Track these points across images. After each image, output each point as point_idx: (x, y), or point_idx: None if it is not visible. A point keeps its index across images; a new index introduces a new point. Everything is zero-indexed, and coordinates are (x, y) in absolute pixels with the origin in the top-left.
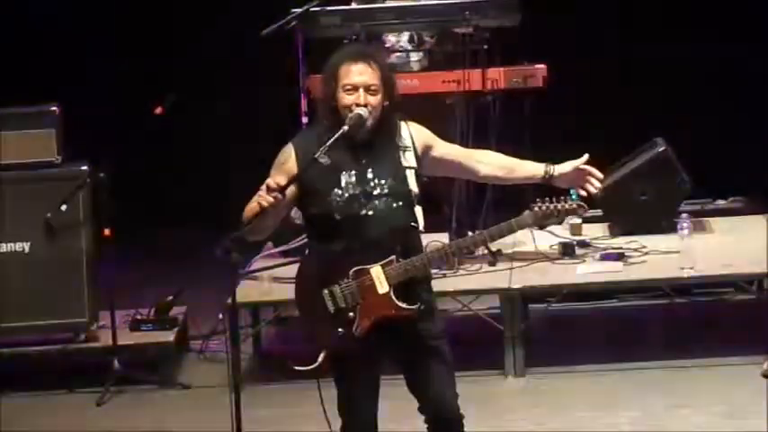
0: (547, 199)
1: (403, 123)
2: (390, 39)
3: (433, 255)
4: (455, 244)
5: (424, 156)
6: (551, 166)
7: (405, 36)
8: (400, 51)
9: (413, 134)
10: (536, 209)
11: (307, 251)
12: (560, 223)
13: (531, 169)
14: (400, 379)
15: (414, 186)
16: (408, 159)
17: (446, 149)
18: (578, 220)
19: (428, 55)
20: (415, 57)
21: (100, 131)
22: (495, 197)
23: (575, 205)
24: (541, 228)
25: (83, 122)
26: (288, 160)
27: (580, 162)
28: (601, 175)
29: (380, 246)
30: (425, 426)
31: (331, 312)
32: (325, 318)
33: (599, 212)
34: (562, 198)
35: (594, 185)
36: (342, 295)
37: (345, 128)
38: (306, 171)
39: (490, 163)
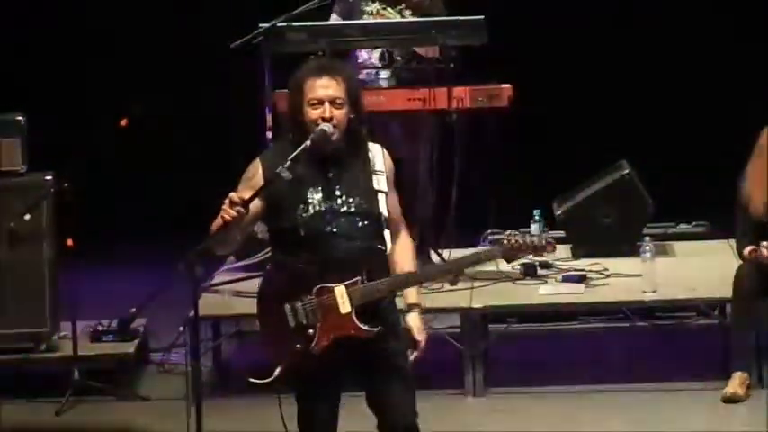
0: (517, 232)
1: (380, 147)
2: (363, 54)
3: (398, 280)
4: (422, 272)
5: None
6: (416, 308)
7: (376, 53)
8: (370, 68)
9: (386, 163)
10: (505, 242)
11: (268, 266)
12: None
13: (406, 290)
14: (362, 395)
15: (384, 210)
16: (380, 184)
17: (391, 200)
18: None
19: (397, 73)
20: (384, 74)
21: (66, 142)
22: (458, 215)
23: (544, 242)
24: (509, 261)
25: (48, 132)
26: (255, 175)
27: (418, 337)
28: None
29: (344, 264)
30: None
31: (291, 327)
32: (284, 332)
33: (561, 234)
34: (534, 234)
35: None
36: (304, 312)
37: (308, 143)
38: (271, 186)
39: (396, 251)
